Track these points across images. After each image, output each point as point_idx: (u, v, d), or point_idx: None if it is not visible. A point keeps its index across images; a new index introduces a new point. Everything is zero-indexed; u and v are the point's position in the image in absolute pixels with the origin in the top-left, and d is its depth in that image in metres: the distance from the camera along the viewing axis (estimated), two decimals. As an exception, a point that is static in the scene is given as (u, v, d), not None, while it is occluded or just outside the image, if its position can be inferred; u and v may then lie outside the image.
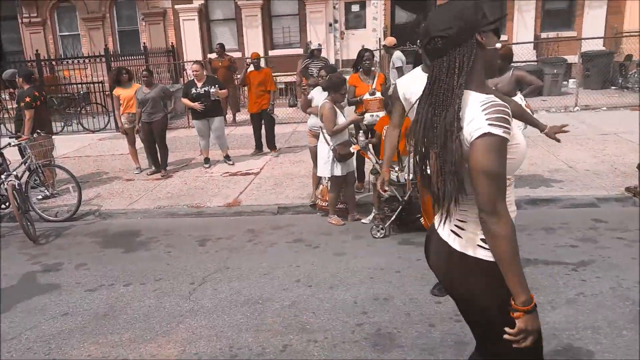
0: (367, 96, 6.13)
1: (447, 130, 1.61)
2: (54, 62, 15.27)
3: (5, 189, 5.97)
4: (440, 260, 1.85)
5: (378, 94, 6.13)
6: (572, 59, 13.21)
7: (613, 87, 13.40)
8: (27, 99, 6.79)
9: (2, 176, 6.08)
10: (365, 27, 15.47)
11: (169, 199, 6.79)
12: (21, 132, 6.85)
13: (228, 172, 7.86)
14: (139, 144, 8.22)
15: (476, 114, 1.58)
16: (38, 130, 6.72)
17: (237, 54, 14.58)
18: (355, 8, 15.53)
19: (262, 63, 10.69)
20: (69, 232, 6.06)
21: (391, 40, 9.96)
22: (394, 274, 4.32)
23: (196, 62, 8.76)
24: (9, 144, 6.50)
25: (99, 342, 3.60)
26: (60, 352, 3.51)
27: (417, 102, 1.79)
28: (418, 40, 12.67)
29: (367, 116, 6.06)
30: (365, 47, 7.71)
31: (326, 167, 5.52)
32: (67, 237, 5.89)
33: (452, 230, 1.79)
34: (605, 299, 3.64)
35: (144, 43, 15.20)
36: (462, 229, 1.76)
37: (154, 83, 7.93)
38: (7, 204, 6.30)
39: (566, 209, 5.62)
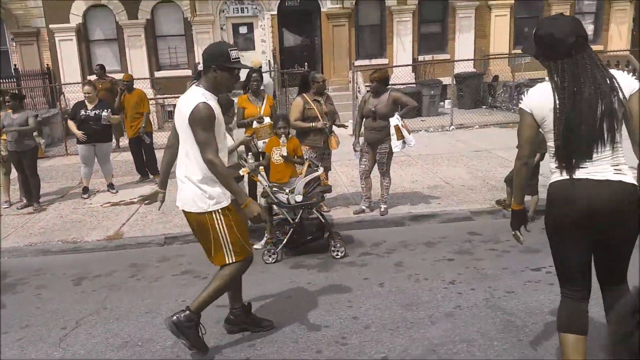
0: (255, 124, 6.09)
1: (614, 94, 2.41)
2: None
3: None
4: (615, 195, 2.42)
5: (267, 120, 6.13)
6: (447, 80, 14.32)
7: (484, 107, 14.70)
8: None
9: None
10: (254, 49, 15.56)
11: (41, 235, 6.22)
12: None
13: (109, 202, 7.39)
14: (14, 173, 7.49)
15: (625, 78, 2.47)
16: None
17: (120, 75, 13.86)
18: (243, 30, 15.58)
19: (148, 85, 10.30)
20: None
21: (257, 62, 10.05)
22: (285, 299, 4.30)
23: (87, 82, 8.22)
24: None
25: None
26: None
27: (568, 95, 2.43)
28: (309, 71, 13.01)
29: (259, 144, 6.01)
30: (253, 69, 7.73)
31: None
32: None
33: (615, 173, 2.45)
34: (480, 310, 3.89)
35: (15, 65, 13.97)
36: (622, 171, 2.46)
37: (22, 108, 7.29)
38: None
39: (444, 223, 6.00)
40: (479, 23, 15.86)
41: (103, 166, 7.81)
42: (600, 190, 2.42)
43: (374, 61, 15.20)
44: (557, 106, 2.45)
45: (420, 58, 15.58)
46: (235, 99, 6.29)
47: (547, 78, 2.55)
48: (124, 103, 8.31)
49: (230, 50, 3.23)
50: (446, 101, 14.55)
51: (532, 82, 13.14)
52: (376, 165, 6.18)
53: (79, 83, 11.25)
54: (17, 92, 9.99)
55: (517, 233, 2.83)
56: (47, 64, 14.67)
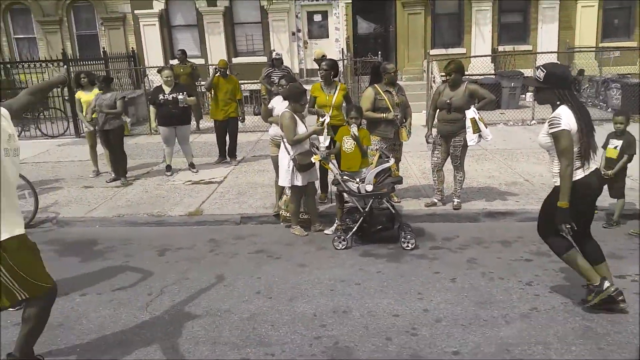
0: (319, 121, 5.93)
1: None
2: (9, 65, 14.75)
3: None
4: (602, 185, 3.89)
5: (328, 120, 5.86)
6: (528, 72, 13.70)
7: (567, 101, 13.92)
8: None
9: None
10: (328, 36, 15.62)
11: (128, 207, 6.65)
12: None
13: (191, 181, 7.77)
14: (100, 149, 8.09)
15: None
16: None
17: (200, 61, 14.43)
18: (317, 18, 15.66)
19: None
20: (22, 243, 5.85)
21: (318, 52, 9.95)
22: (354, 286, 4.37)
23: (166, 67, 8.64)
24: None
25: (51, 353, 3.49)
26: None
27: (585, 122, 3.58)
28: (379, 53, 12.92)
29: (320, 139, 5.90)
30: (326, 57, 7.77)
31: (287, 176, 5.52)
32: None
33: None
34: (557, 314, 3.77)
35: (104, 48, 14.87)
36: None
37: (110, 89, 7.78)
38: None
39: (522, 222, 5.80)
40: (564, 14, 15.03)
41: (183, 147, 8.20)
42: (598, 174, 3.77)
43: (451, 50, 14.83)
44: (579, 123, 3.54)
45: (500, 49, 15.02)
46: (309, 87, 6.38)
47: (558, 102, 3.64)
48: (216, 87, 8.62)
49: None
50: (527, 94, 13.96)
51: (621, 78, 12.36)
52: (449, 158, 6.09)
53: (171, 66, 11.78)
54: (105, 74, 10.70)
55: (563, 227, 3.61)
56: (132, 48, 15.49)
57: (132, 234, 5.93)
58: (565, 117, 3.53)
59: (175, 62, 12.69)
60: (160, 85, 8.00)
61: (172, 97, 7.78)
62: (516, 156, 8.41)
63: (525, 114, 11.96)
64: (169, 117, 7.86)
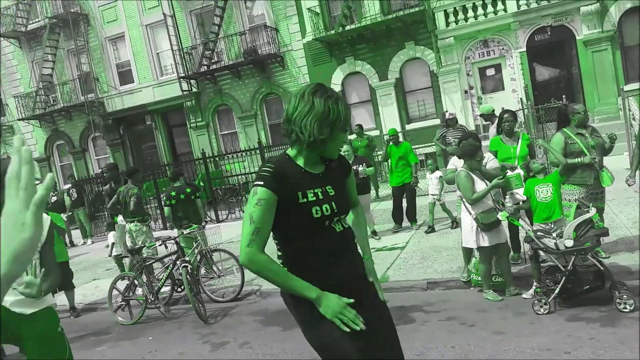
0: (508, 172, 5.84)
1: None
2: (217, 158, 17.33)
3: (180, 274, 6.72)
4: None
5: (518, 171, 5.79)
6: None
7: None
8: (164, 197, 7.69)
9: (178, 262, 6.87)
10: (503, 89, 15.15)
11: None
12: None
13: (374, 248, 7.95)
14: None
15: None
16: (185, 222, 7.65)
17: (375, 132, 15.12)
18: (490, 72, 15.36)
19: (400, 137, 10.97)
20: (234, 311, 6.56)
21: (488, 108, 9.29)
22: (563, 355, 3.91)
23: (345, 142, 9.28)
24: (182, 233, 7.40)
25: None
26: None
27: None
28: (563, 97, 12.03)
29: (513, 194, 5.74)
30: (505, 109, 7.53)
31: (471, 237, 5.31)
32: (233, 317, 6.37)
33: None
34: None
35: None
36: None
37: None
38: (181, 287, 7.07)
39: None
40: None
41: (365, 215, 8.49)
42: None
43: (649, 83, 13.15)
44: None
45: None
46: (486, 142, 6.20)
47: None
48: (390, 155, 8.96)
49: None
50: None
51: None
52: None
53: (350, 140, 12.64)
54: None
55: None
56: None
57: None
58: None
59: (353, 136, 13.53)
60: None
61: (353, 169, 8.21)
62: None
63: None
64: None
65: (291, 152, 2.25)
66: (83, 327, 7.00)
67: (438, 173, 8.50)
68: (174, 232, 8.06)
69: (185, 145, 19.77)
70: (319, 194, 2.16)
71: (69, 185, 14.75)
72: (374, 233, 8.49)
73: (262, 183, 2.09)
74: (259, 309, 6.47)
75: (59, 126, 21.36)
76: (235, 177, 15.47)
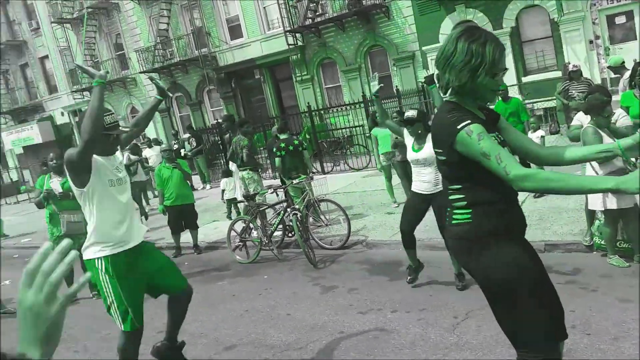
0: None
1: None
2: (322, 112, 17.58)
3: (291, 221, 7.08)
4: None
5: None
6: None
7: None
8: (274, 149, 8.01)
9: (288, 210, 7.23)
10: (635, 38, 13.58)
11: (427, 232, 7.01)
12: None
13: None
14: (395, 179, 8.81)
15: None
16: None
17: (487, 86, 14.39)
18: (620, 20, 13.81)
19: (516, 91, 10.36)
20: (342, 259, 6.81)
21: (617, 60, 8.18)
22: (700, 325, 3.62)
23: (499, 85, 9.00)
24: (292, 182, 7.72)
25: (374, 361, 3.94)
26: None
27: None
28: None
29: None
30: (638, 61, 6.81)
31: (598, 199, 4.97)
32: (340, 264, 6.63)
33: None
34: None
35: (396, 86, 16.28)
36: None
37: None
38: (292, 233, 7.46)
39: None
40: None
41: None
42: None
43: None
44: None
45: None
46: (616, 97, 5.68)
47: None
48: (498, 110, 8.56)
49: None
50: None
51: None
52: None
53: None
54: (399, 109, 11.65)
55: None
56: (421, 82, 16.50)
57: (434, 258, 6.21)
58: None
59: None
60: None
61: None
62: None
63: None
64: None
65: (452, 98, 2.21)
66: (205, 263, 7.70)
67: (540, 132, 7.95)
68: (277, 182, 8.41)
69: (291, 98, 20.23)
70: (494, 138, 2.14)
71: (188, 135, 15.87)
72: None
73: (469, 121, 2.05)
74: (365, 258, 6.65)
75: (177, 79, 22.75)
76: (340, 131, 15.63)
